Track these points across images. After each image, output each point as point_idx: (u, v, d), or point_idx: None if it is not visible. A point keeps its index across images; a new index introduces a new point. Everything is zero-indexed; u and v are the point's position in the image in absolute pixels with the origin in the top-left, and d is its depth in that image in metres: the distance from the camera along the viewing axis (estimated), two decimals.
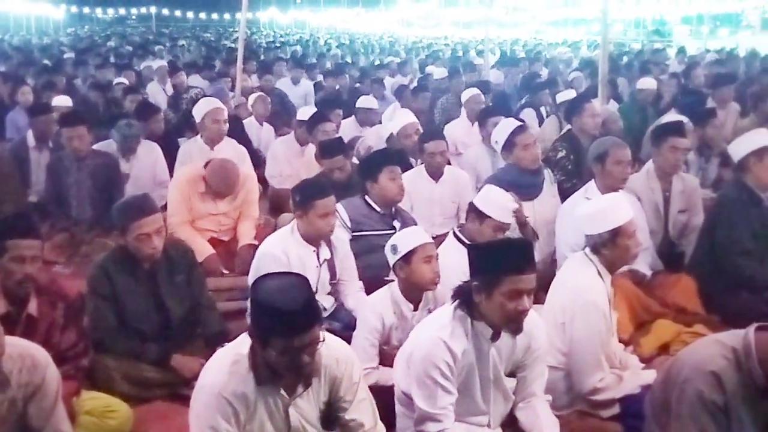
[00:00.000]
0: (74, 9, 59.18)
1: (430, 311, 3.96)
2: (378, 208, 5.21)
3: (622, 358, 3.99)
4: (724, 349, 2.91)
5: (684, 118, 7.04)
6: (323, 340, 2.76)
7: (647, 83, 9.68)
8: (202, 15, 70.97)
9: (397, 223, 5.21)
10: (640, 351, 4.28)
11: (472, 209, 4.48)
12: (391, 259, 3.98)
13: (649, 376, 3.69)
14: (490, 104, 8.78)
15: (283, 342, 2.67)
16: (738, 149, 5.15)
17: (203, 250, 5.41)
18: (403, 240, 3.98)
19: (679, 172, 5.82)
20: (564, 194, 6.07)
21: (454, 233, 4.60)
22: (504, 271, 3.02)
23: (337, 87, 12.59)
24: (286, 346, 2.67)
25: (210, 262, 5.38)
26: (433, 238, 5.86)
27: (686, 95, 9.87)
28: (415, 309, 3.99)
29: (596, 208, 3.87)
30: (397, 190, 5.22)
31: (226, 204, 5.76)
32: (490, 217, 4.37)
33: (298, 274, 2.91)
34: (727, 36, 36.77)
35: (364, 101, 9.05)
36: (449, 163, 6.53)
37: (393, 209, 5.27)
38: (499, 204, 4.42)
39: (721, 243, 5.03)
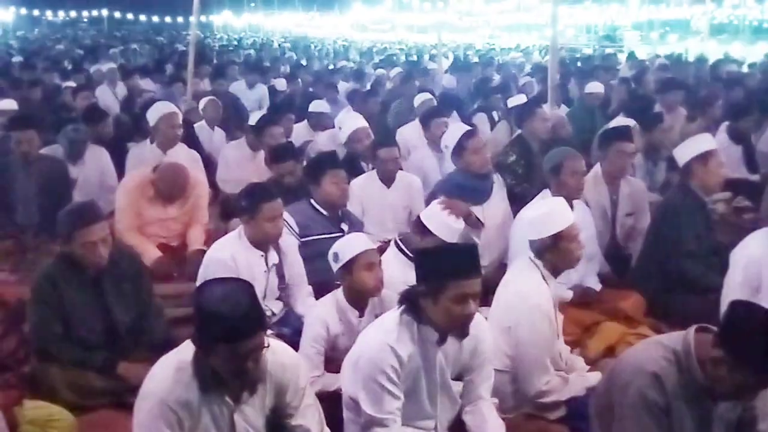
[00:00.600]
0: (24, 11, 58.19)
1: (377, 316, 3.96)
2: (324, 212, 5.21)
3: (568, 360, 4.04)
4: (664, 351, 2.95)
5: (631, 122, 7.16)
6: (268, 346, 2.75)
7: (595, 87, 9.82)
8: (155, 18, 70.25)
9: (344, 226, 5.21)
10: (587, 353, 4.31)
11: (418, 223, 4.50)
12: (334, 267, 3.99)
13: (595, 377, 3.74)
14: (435, 105, 8.82)
15: (227, 348, 2.66)
16: (682, 153, 5.23)
17: (151, 255, 5.36)
18: (344, 248, 3.98)
19: (627, 176, 5.92)
20: (515, 199, 6.13)
21: (396, 242, 4.60)
22: (450, 275, 3.04)
23: (290, 91, 12.56)
24: (230, 353, 2.66)
25: (158, 268, 5.31)
26: (386, 242, 5.97)
27: (634, 100, 10.02)
28: (361, 315, 3.99)
29: (538, 214, 3.92)
30: (339, 194, 5.22)
31: (175, 209, 5.71)
32: (433, 235, 4.36)
33: (241, 280, 2.91)
34: (676, 41, 37.35)
35: (317, 105, 9.03)
36: (401, 169, 6.56)
37: (340, 212, 5.26)
38: (445, 224, 4.39)
39: (666, 246, 5.10)
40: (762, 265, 4.06)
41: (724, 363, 2.75)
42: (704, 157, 5.10)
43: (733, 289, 4.24)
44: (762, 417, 3.06)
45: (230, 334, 2.63)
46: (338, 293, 4.02)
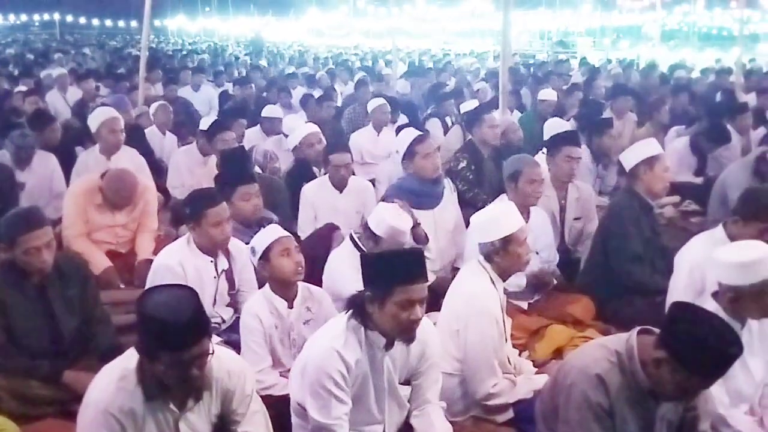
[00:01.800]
0: None
1: (309, 309, 4.04)
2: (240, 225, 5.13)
3: (516, 363, 4.07)
4: (608, 353, 2.99)
5: (568, 126, 7.25)
6: (213, 353, 2.73)
7: (548, 94, 9.92)
8: (109, 22, 69.38)
9: None
10: (535, 356, 4.36)
11: (367, 227, 4.52)
12: (255, 263, 4.09)
13: (542, 380, 3.76)
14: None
15: (171, 355, 2.64)
16: (629, 158, 5.30)
17: (100, 263, 5.30)
18: (259, 240, 4.07)
19: (575, 181, 6.00)
20: (465, 204, 6.17)
21: (351, 237, 4.62)
22: (396, 280, 3.05)
23: (243, 95, 12.50)
24: (174, 360, 2.64)
25: (106, 276, 5.26)
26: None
27: (583, 105, 10.14)
28: (291, 306, 4.01)
29: (487, 217, 3.95)
30: (251, 209, 5.17)
31: (123, 216, 5.64)
32: (382, 239, 4.41)
33: (185, 287, 2.89)
34: (627, 48, 37.88)
35: (269, 110, 8.99)
36: (354, 174, 6.56)
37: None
38: (392, 227, 4.42)
39: (613, 250, 5.16)
40: (705, 267, 4.13)
41: (666, 364, 2.80)
42: (650, 162, 5.17)
43: (678, 291, 4.30)
44: (703, 417, 3.11)
45: (173, 341, 2.61)
46: (266, 287, 4.07)
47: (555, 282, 5.16)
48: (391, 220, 4.43)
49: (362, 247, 4.51)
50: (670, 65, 20.24)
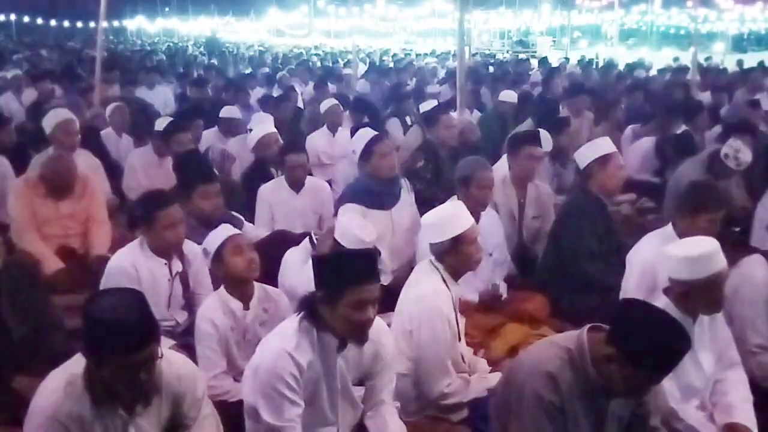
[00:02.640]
0: None
1: (265, 310, 4.01)
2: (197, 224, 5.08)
3: (470, 361, 4.08)
4: (559, 350, 3.00)
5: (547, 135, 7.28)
6: (162, 357, 2.70)
7: (508, 96, 9.95)
8: (66, 23, 68.45)
9: None
10: (490, 354, 4.35)
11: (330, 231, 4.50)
12: (209, 264, 4.07)
13: (496, 378, 3.76)
14: None
15: (118, 360, 2.60)
16: (583, 156, 5.34)
17: (51, 263, 5.26)
18: (211, 240, 4.05)
19: (534, 180, 6.03)
20: (423, 204, 6.16)
21: (310, 237, 4.61)
22: (348, 282, 3.03)
23: (201, 96, 12.40)
24: (121, 364, 2.61)
25: (58, 277, 5.20)
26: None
27: (539, 104, 10.20)
28: (246, 307, 3.98)
29: (438, 217, 3.95)
30: (211, 209, 5.12)
31: (68, 205, 5.62)
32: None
33: (133, 290, 2.85)
34: (587, 47, 38.26)
35: (227, 111, 8.93)
36: (311, 174, 6.54)
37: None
38: (354, 236, 4.36)
39: (568, 247, 5.20)
40: (657, 265, 4.18)
41: (615, 360, 2.82)
42: (603, 161, 5.21)
43: (630, 289, 4.36)
44: (654, 412, 3.14)
45: (120, 345, 2.57)
46: (220, 289, 4.03)
47: (505, 295, 5.15)
48: (358, 231, 4.39)
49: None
50: (628, 64, 20.49)
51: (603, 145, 5.33)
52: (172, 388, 2.90)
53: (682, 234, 4.24)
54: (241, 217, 5.52)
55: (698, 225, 4.26)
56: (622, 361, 2.80)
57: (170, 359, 2.86)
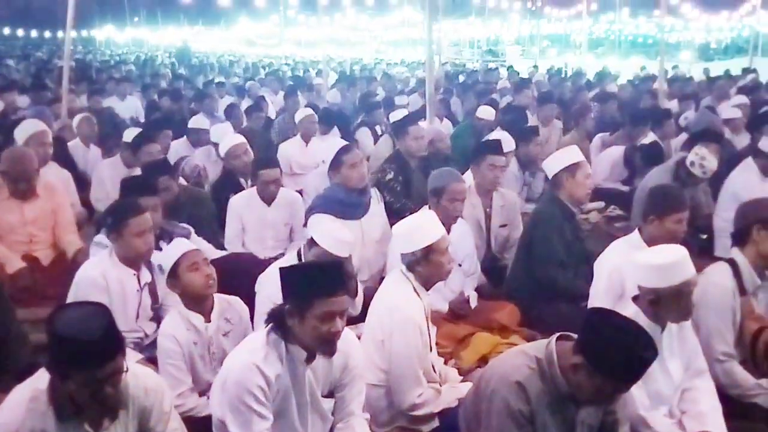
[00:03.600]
0: None
1: (227, 320, 3.98)
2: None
3: (441, 371, 4.07)
4: (528, 360, 3.01)
5: (506, 136, 7.31)
6: (127, 370, 2.67)
7: (486, 113, 9.85)
8: (34, 33, 67.83)
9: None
10: (461, 364, 4.35)
11: (310, 241, 4.43)
12: (164, 281, 3.99)
13: (466, 388, 3.74)
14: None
15: (83, 374, 2.57)
16: (551, 165, 5.36)
17: (13, 264, 5.24)
18: (165, 257, 4.00)
19: (499, 188, 6.05)
20: (393, 215, 6.16)
21: (299, 251, 4.56)
22: (316, 293, 3.01)
23: (170, 106, 12.33)
24: (86, 379, 2.58)
25: (20, 278, 5.18)
26: (266, 260, 5.91)
27: (507, 113, 10.23)
28: (208, 320, 3.95)
29: (408, 228, 3.94)
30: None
31: (32, 209, 5.54)
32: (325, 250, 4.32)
33: (97, 303, 2.82)
34: (555, 56, 38.55)
35: (196, 121, 8.88)
36: (282, 185, 6.50)
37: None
38: (332, 236, 4.33)
39: (537, 256, 5.21)
40: (624, 272, 4.21)
41: (583, 369, 2.84)
42: (572, 169, 5.24)
43: (599, 296, 4.39)
44: (623, 421, 3.16)
45: (85, 359, 2.54)
46: (179, 305, 3.98)
47: (474, 304, 5.17)
48: (338, 234, 4.36)
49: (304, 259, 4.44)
50: (597, 72, 20.67)
51: (571, 154, 5.36)
52: (139, 401, 2.87)
53: (649, 239, 4.30)
54: (189, 227, 5.45)
55: (665, 227, 4.31)
56: (590, 370, 2.82)
57: (136, 372, 2.83)
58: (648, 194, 4.63)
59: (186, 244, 4.08)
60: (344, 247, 4.29)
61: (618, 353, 2.75)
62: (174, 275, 3.92)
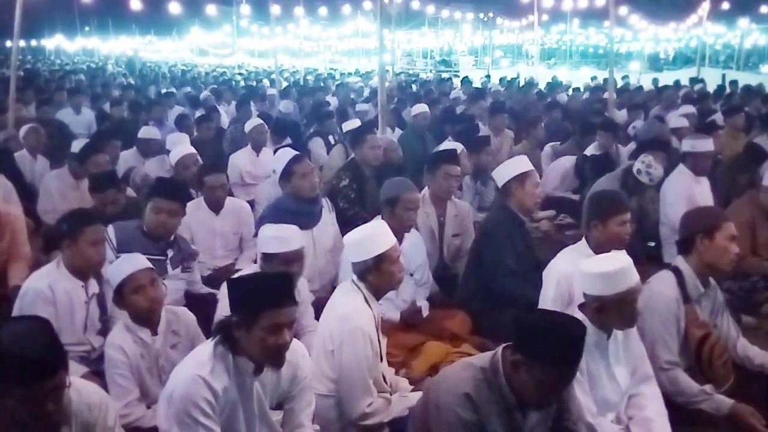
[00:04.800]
0: None
1: (175, 332, 3.95)
2: (150, 236, 5.07)
3: (392, 381, 4.07)
4: (475, 371, 3.03)
5: (459, 146, 7.35)
6: (69, 385, 2.62)
7: (421, 108, 10.03)
8: None
9: (170, 251, 5.14)
10: (412, 373, 4.36)
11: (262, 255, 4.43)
12: (111, 293, 3.94)
13: (416, 397, 3.74)
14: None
15: (22, 390, 2.51)
16: (500, 175, 5.40)
17: None
18: (113, 274, 3.94)
19: (453, 198, 6.07)
20: (347, 222, 6.15)
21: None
22: (263, 305, 2.99)
23: (120, 116, 12.20)
24: (26, 395, 2.52)
25: None
26: (215, 270, 5.87)
27: (457, 122, 10.30)
28: (155, 333, 3.91)
29: (360, 237, 3.94)
30: (156, 224, 5.06)
31: None
32: (277, 255, 4.33)
33: (38, 317, 2.77)
34: (508, 66, 38.88)
35: (146, 132, 8.79)
36: (232, 194, 6.47)
37: (172, 237, 5.15)
38: (274, 238, 4.35)
39: (487, 265, 5.24)
40: (572, 280, 4.25)
41: (522, 365, 2.89)
42: (521, 179, 5.28)
43: (547, 304, 4.42)
44: (573, 428, 3.18)
45: (24, 375, 2.49)
46: (125, 318, 3.93)
47: (426, 313, 5.19)
48: (276, 232, 4.37)
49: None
50: (548, 83, 20.90)
51: (520, 164, 5.40)
52: (82, 417, 2.81)
53: (595, 245, 4.36)
54: (197, 250, 5.48)
55: (608, 231, 4.37)
56: (527, 364, 2.87)
57: (79, 388, 2.77)
58: (589, 200, 4.70)
59: (136, 262, 3.98)
60: (290, 239, 4.32)
61: (548, 336, 2.83)
62: (119, 294, 3.88)
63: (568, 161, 8.45)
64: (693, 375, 3.97)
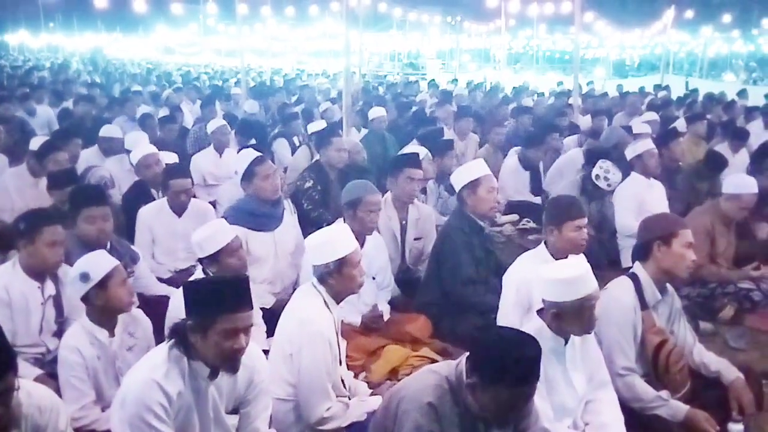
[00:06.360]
0: None
1: (131, 335, 3.92)
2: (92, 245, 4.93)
3: (351, 385, 4.05)
4: (439, 379, 3.01)
5: (423, 150, 7.36)
6: (19, 388, 2.57)
7: (378, 112, 10.06)
8: None
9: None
10: (371, 377, 4.35)
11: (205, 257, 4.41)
12: (82, 289, 3.82)
13: (375, 401, 3.75)
14: None
15: None
16: (457, 180, 5.40)
17: None
18: (93, 266, 3.85)
19: (415, 201, 6.07)
20: (311, 224, 6.13)
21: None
22: (219, 309, 2.95)
23: (82, 114, 12.03)
24: None
25: None
26: (177, 272, 5.81)
27: (420, 124, 10.33)
28: (112, 334, 3.87)
29: (321, 240, 3.91)
30: (95, 233, 4.94)
31: None
32: (220, 254, 4.33)
33: None
34: (475, 70, 39.06)
35: (107, 130, 8.68)
36: (195, 195, 6.41)
37: (109, 245, 5.03)
38: (210, 235, 4.35)
39: (446, 274, 5.24)
40: (531, 284, 4.26)
41: (479, 387, 2.86)
42: (473, 185, 5.28)
43: (507, 309, 4.44)
44: None
45: None
46: (82, 318, 3.88)
47: (387, 316, 5.18)
48: (208, 230, 4.38)
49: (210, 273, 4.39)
50: (514, 87, 21.01)
51: (472, 170, 5.39)
52: (33, 420, 2.76)
53: (554, 250, 4.40)
54: (138, 252, 5.36)
55: (565, 236, 4.41)
56: (483, 386, 2.84)
57: (29, 390, 2.72)
58: (546, 206, 4.73)
59: (111, 257, 3.96)
60: (223, 233, 4.37)
61: (501, 358, 2.79)
62: (103, 286, 3.79)
63: (511, 162, 8.54)
64: (649, 381, 4.00)
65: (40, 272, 4.36)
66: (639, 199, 6.61)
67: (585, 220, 4.50)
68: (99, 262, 3.88)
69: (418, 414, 2.94)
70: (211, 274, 4.29)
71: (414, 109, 13.13)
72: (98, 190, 5.51)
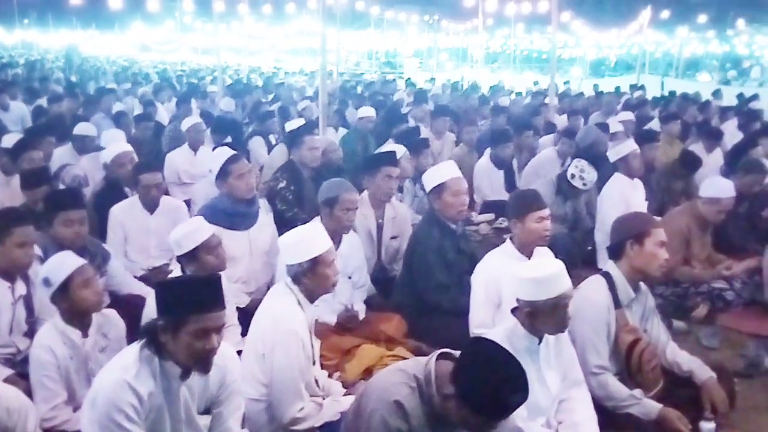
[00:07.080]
0: None
1: (104, 335, 3.88)
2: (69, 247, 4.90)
3: (325, 385, 4.03)
4: (407, 378, 2.98)
5: (402, 148, 7.35)
6: None
7: (367, 111, 10.06)
8: None
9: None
10: (345, 376, 4.33)
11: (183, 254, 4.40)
12: (47, 293, 3.80)
13: (348, 401, 3.71)
14: None
15: None
16: (427, 181, 5.39)
17: None
18: (53, 269, 3.82)
19: (392, 200, 6.06)
20: (285, 224, 6.10)
21: None
22: (190, 309, 2.92)
23: (56, 112, 11.93)
24: None
25: None
26: (149, 270, 5.77)
27: (393, 122, 10.33)
28: (85, 335, 3.83)
29: (295, 239, 3.88)
30: (72, 237, 4.87)
31: None
32: (197, 250, 4.31)
33: None
34: (452, 69, 39.13)
35: (81, 128, 8.60)
36: (167, 193, 6.37)
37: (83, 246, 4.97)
38: (192, 233, 4.35)
39: (419, 279, 5.24)
40: (500, 281, 4.28)
41: (454, 399, 2.81)
42: (441, 188, 5.26)
43: (478, 307, 4.46)
44: None
45: None
46: (55, 318, 3.84)
47: (362, 316, 5.17)
48: (183, 230, 4.37)
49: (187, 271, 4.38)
50: (491, 86, 21.07)
51: (441, 172, 5.37)
52: (1, 422, 2.73)
53: (519, 244, 4.48)
54: (110, 251, 5.30)
55: (527, 228, 4.47)
56: (459, 402, 2.79)
57: None
58: (509, 201, 4.77)
59: (76, 257, 3.92)
60: (202, 229, 4.36)
61: (487, 391, 2.72)
62: (65, 290, 3.76)
63: (484, 161, 8.59)
64: (622, 379, 4.02)
65: (10, 273, 4.31)
66: (624, 199, 6.64)
67: (547, 211, 4.56)
68: (59, 266, 3.84)
69: (386, 412, 2.92)
70: (190, 273, 4.26)
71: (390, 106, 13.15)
72: (75, 193, 5.46)
